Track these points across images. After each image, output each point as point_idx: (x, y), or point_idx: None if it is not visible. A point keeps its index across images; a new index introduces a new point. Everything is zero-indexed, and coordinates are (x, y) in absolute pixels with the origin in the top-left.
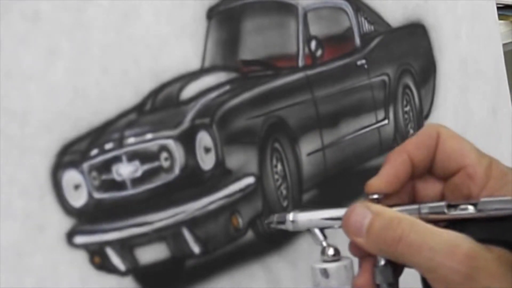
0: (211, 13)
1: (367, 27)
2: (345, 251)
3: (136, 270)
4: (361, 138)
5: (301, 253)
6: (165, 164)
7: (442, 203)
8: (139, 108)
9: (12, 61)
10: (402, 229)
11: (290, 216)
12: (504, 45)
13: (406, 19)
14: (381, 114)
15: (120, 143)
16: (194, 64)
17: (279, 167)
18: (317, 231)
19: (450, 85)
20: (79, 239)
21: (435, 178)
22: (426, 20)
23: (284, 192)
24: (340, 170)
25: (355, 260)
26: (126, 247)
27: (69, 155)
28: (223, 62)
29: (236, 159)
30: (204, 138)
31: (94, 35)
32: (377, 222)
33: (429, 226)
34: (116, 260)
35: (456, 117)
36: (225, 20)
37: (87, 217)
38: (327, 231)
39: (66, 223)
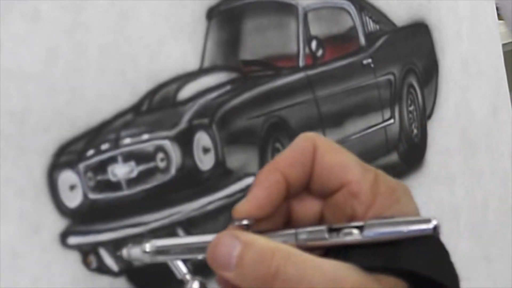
0: (212, 13)
1: (372, 26)
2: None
3: (129, 271)
4: (368, 137)
5: None
6: (161, 164)
7: (323, 227)
8: (135, 109)
9: (12, 61)
10: (277, 262)
11: (147, 247)
12: (504, 45)
13: (410, 19)
14: (387, 114)
15: (116, 144)
16: (192, 64)
17: None
18: (179, 263)
19: (452, 85)
20: (73, 240)
21: (313, 197)
22: (429, 19)
23: None
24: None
25: None
26: (120, 247)
27: (66, 156)
28: (224, 62)
29: (237, 159)
30: (202, 139)
31: (92, 35)
32: (248, 254)
33: (309, 257)
34: (109, 260)
35: (457, 117)
36: (226, 20)
37: (81, 218)
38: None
39: (60, 223)
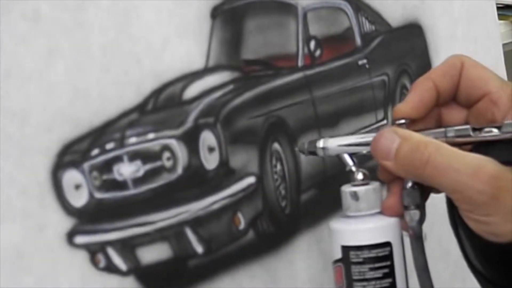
0: (216, 12)
1: (368, 27)
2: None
3: (137, 270)
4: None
5: (300, 254)
6: (168, 163)
7: (467, 126)
8: (140, 108)
9: (12, 61)
10: (429, 152)
11: (320, 143)
12: (504, 45)
13: (405, 19)
14: (380, 114)
15: (121, 143)
16: (197, 63)
17: (279, 167)
18: (346, 156)
19: None
20: (80, 239)
21: (459, 106)
22: (422, 20)
23: (283, 192)
24: (339, 170)
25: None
26: (127, 247)
27: (70, 155)
28: (227, 62)
29: (239, 158)
30: (208, 138)
31: (94, 34)
32: (405, 146)
33: (455, 149)
34: (117, 260)
35: None
36: (229, 19)
37: (88, 217)
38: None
39: (66, 223)
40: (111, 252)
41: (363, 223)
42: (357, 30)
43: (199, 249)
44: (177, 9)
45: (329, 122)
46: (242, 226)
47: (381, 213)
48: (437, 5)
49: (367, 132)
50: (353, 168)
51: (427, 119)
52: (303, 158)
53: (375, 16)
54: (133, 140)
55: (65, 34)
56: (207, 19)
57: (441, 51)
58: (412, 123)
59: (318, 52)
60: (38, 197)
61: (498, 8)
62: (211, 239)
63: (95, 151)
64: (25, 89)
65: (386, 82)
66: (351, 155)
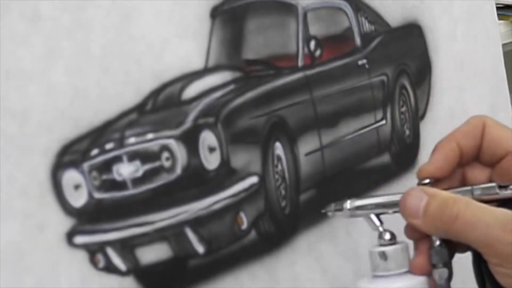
0: (215, 12)
1: (367, 27)
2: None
3: (137, 270)
4: (361, 138)
5: (300, 254)
6: (167, 164)
7: (493, 184)
8: (140, 108)
9: (12, 61)
10: (458, 207)
11: (348, 204)
12: (504, 45)
13: (404, 20)
14: (379, 114)
15: (120, 143)
16: (197, 63)
17: (279, 167)
18: (373, 217)
19: (446, 86)
20: (79, 239)
21: (482, 165)
22: (422, 20)
23: (283, 192)
24: (339, 170)
25: (410, 244)
26: (127, 247)
27: (69, 155)
28: (228, 62)
29: (241, 158)
30: (208, 138)
31: (94, 35)
32: (434, 202)
33: (483, 205)
34: (116, 260)
35: (452, 118)
36: (229, 20)
37: (87, 217)
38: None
39: (66, 223)
40: (111, 252)
41: (392, 283)
42: (356, 30)
43: (200, 249)
44: (177, 9)
45: (329, 122)
46: (244, 226)
47: (409, 272)
48: (437, 5)
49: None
50: (381, 229)
51: (451, 179)
52: (302, 158)
53: (374, 16)
54: (132, 140)
55: (65, 34)
56: (207, 19)
57: (440, 51)
58: (437, 183)
59: (318, 52)
60: (37, 197)
61: (498, 8)
62: (213, 239)
63: (95, 151)
64: (25, 89)
65: (385, 82)
66: (378, 215)
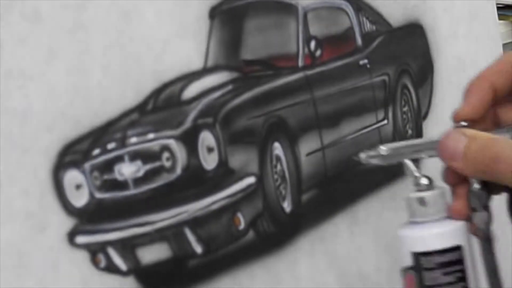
0: (214, 13)
1: (368, 26)
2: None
3: (138, 270)
4: (362, 138)
5: (302, 253)
6: (167, 164)
7: None
8: (141, 108)
9: (12, 61)
10: (498, 148)
11: (383, 150)
12: (504, 45)
13: (406, 19)
14: (381, 114)
15: (122, 143)
16: (196, 63)
17: (279, 167)
18: (408, 162)
19: (448, 85)
20: (81, 239)
21: None
22: (424, 20)
23: (283, 192)
24: (340, 170)
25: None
26: (128, 247)
27: (70, 155)
28: (226, 62)
29: (238, 158)
30: (207, 138)
31: (94, 35)
32: (474, 144)
33: None
34: (117, 260)
35: None
36: (228, 20)
37: (88, 217)
38: None
39: (67, 223)
40: (112, 252)
41: (432, 228)
42: (357, 30)
43: (198, 249)
44: (177, 9)
45: (330, 122)
46: (242, 226)
47: (448, 217)
48: (438, 5)
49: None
50: (417, 174)
51: (485, 121)
52: (303, 158)
53: (376, 16)
54: (133, 140)
55: (65, 34)
56: (206, 20)
57: (442, 51)
58: (472, 124)
59: (318, 52)
60: (38, 197)
61: (498, 8)
62: (210, 239)
63: (96, 151)
64: (25, 89)
65: (386, 82)
66: (413, 161)
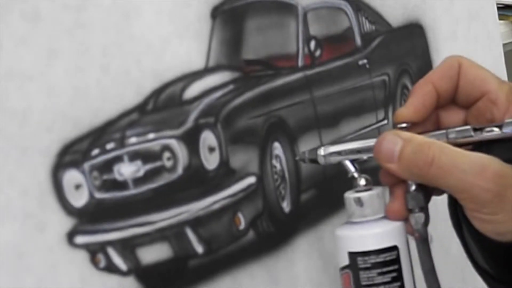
0: (216, 12)
1: (368, 26)
2: None
3: (138, 270)
4: (362, 138)
5: (300, 254)
6: (168, 163)
7: (468, 127)
8: (141, 108)
9: (12, 61)
10: (433, 152)
11: (321, 150)
12: (504, 45)
13: (406, 19)
14: (381, 114)
15: (121, 143)
16: (198, 63)
17: (278, 167)
18: (348, 163)
19: None
20: (80, 239)
21: (457, 107)
22: (423, 20)
23: (283, 192)
24: (339, 171)
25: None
26: (127, 247)
27: (70, 155)
28: (227, 62)
29: (239, 158)
30: (208, 138)
31: (94, 34)
32: (409, 147)
33: (458, 149)
34: (117, 260)
35: None
36: (229, 20)
37: (88, 217)
38: None
39: (66, 223)
40: (111, 252)
41: (369, 229)
42: (357, 30)
43: (199, 249)
44: (177, 9)
45: (329, 122)
46: (242, 226)
47: (385, 217)
48: (438, 5)
49: (363, 136)
50: (356, 174)
51: (426, 123)
52: None
53: (375, 16)
54: (133, 140)
55: (65, 34)
56: (207, 19)
57: (441, 51)
58: (412, 127)
59: (318, 52)
60: (38, 197)
61: (498, 8)
62: (212, 239)
63: (96, 151)
64: (25, 89)
65: (386, 82)
66: (353, 161)
